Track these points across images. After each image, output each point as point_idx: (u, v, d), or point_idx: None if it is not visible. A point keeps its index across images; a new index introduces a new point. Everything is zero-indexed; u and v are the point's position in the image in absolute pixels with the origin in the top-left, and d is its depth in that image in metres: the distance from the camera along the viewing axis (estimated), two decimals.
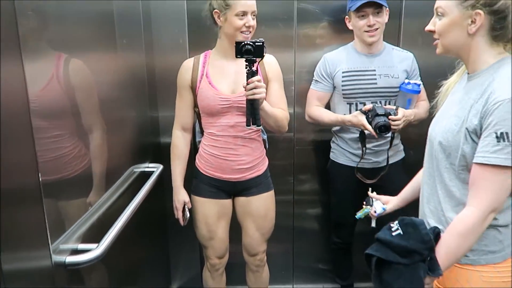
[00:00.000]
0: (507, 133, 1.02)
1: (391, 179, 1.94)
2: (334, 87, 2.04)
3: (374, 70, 1.99)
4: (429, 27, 1.20)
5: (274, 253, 2.18)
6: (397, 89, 1.99)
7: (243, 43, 1.53)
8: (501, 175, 1.04)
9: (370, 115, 1.87)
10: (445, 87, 1.33)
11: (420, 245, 1.10)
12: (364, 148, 1.98)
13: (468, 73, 1.19)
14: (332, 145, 2.17)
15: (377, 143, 2.00)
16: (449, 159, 1.16)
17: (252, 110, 1.57)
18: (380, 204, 1.56)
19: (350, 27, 1.98)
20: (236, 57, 1.55)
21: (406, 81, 1.99)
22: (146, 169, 1.81)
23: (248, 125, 1.59)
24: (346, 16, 1.99)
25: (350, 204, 1.97)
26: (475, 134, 1.09)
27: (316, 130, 2.30)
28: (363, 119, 1.87)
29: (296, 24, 2.16)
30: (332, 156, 2.16)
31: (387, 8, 1.92)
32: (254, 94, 1.55)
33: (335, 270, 2.42)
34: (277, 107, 1.77)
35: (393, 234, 1.15)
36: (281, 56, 1.95)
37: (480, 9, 1.08)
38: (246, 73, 1.56)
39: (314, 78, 2.08)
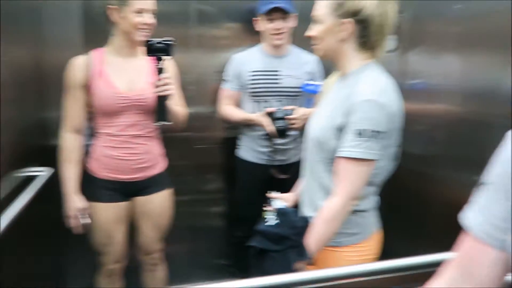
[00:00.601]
0: (365, 130, 1.13)
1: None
2: (243, 86, 2.10)
3: (279, 71, 2.08)
4: (308, 32, 1.29)
5: (175, 253, 2.17)
6: (299, 89, 2.10)
7: (153, 42, 1.56)
8: (359, 167, 1.16)
9: (271, 117, 1.99)
10: (325, 87, 1.42)
11: (291, 231, 1.18)
12: (272, 146, 2.05)
13: (340, 76, 1.29)
14: (239, 142, 2.22)
15: (283, 141, 2.07)
16: (321, 154, 1.25)
17: (162, 107, 1.61)
18: (279, 202, 1.60)
19: (259, 29, 2.06)
20: (148, 55, 1.58)
21: (308, 82, 2.08)
22: (33, 173, 1.70)
23: (157, 121, 1.62)
24: (255, 18, 2.05)
25: (256, 200, 2.00)
26: (341, 131, 1.18)
27: (218, 129, 2.34)
28: (265, 121, 1.99)
29: (195, 24, 2.19)
30: (239, 153, 2.21)
31: (296, 14, 2.02)
32: (165, 90, 1.59)
33: (237, 264, 2.44)
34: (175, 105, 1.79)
35: (271, 224, 1.21)
36: (181, 55, 1.96)
37: (349, 18, 1.18)
38: (156, 70, 1.60)
39: (224, 77, 2.14)
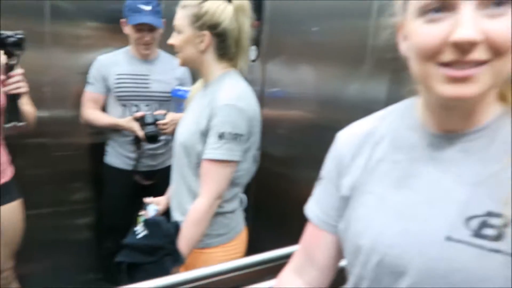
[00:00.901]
0: (225, 133, 1.19)
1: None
2: (109, 89, 2.01)
3: (148, 75, 2.05)
4: (170, 41, 1.32)
5: (38, 271, 2.01)
6: (169, 94, 2.10)
7: (3, 36, 1.42)
8: (221, 168, 1.22)
9: (141, 122, 1.94)
10: (191, 94, 1.46)
11: (164, 240, 1.20)
12: (139, 152, 2.00)
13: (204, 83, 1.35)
14: (107, 148, 2.12)
15: (152, 146, 2.04)
16: (188, 158, 1.28)
17: (14, 106, 1.48)
18: (152, 206, 1.58)
19: (126, 32, 2.00)
20: None
21: (177, 87, 2.10)
22: None
23: (8, 122, 1.47)
24: (122, 20, 1.98)
25: (125, 208, 1.95)
26: (205, 135, 1.24)
27: (82, 134, 2.20)
28: (135, 126, 1.94)
29: (50, 20, 2.02)
30: (107, 159, 2.11)
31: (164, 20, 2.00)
32: (18, 88, 1.46)
33: (109, 277, 2.32)
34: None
35: (139, 236, 1.20)
36: (35, 54, 1.79)
37: (207, 31, 1.24)
38: (7, 66, 1.46)
39: (88, 80, 2.02)
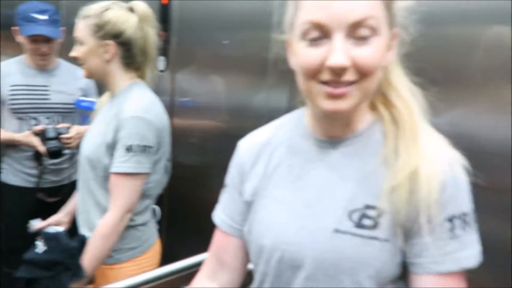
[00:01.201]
0: (132, 145, 1.18)
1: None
2: (2, 102, 1.86)
3: (48, 86, 1.93)
4: (73, 53, 1.28)
5: None
6: (72, 106, 1.99)
7: None
8: (130, 181, 1.20)
9: (42, 137, 1.82)
10: (98, 105, 1.42)
11: (63, 254, 1.15)
12: (40, 168, 1.87)
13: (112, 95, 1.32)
14: (2, 165, 1.94)
15: (54, 161, 1.92)
16: (94, 171, 1.24)
17: None
18: (51, 228, 1.49)
19: (19, 40, 1.85)
20: None
21: (82, 98, 2.00)
22: None
23: None
24: (14, 28, 1.83)
25: (27, 228, 1.80)
26: (112, 148, 1.21)
27: None
28: (34, 140, 1.81)
29: None
30: (3, 177, 1.94)
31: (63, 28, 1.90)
32: None
33: None
34: None
35: (39, 251, 1.15)
36: None
37: (111, 40, 1.22)
38: None
39: None
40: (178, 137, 1.82)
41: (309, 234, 0.67)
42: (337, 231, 0.65)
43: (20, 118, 1.88)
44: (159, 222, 1.94)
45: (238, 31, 1.73)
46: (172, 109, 1.86)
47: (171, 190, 1.94)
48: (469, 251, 0.62)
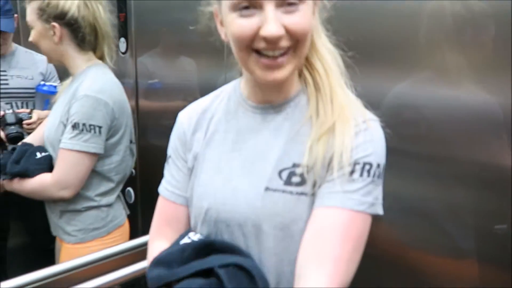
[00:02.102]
0: (78, 123, 1.17)
1: None
2: None
3: (5, 71, 1.88)
4: (30, 38, 1.27)
5: None
6: (33, 90, 1.95)
7: None
8: (72, 157, 1.20)
9: (3, 123, 1.74)
10: (60, 89, 1.40)
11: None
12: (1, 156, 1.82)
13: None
14: None
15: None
16: (55, 151, 1.25)
17: None
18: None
19: None
20: None
21: (42, 82, 1.97)
22: None
23: None
24: None
25: None
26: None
27: None
28: None
29: None
30: None
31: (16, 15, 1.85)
32: None
33: None
34: None
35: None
36: None
37: (55, 22, 1.20)
38: None
39: None
40: (149, 119, 1.81)
41: (242, 193, 0.71)
42: (267, 189, 0.69)
43: None
44: (133, 203, 1.94)
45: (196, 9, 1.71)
46: (135, 92, 1.85)
47: (142, 172, 1.93)
48: (355, 195, 0.65)
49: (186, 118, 0.82)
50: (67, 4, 1.20)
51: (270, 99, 0.74)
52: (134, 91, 1.83)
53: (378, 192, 0.67)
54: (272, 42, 0.62)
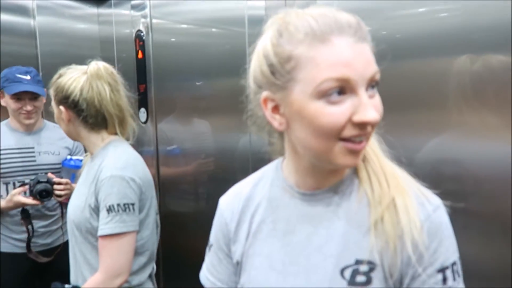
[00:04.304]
0: (113, 205, 1.17)
1: None
2: None
3: (33, 148, 1.93)
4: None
5: None
6: (59, 165, 1.99)
7: None
8: (116, 242, 1.18)
9: (32, 185, 1.79)
10: (83, 164, 1.43)
11: None
12: (30, 230, 1.84)
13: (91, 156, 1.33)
14: None
15: (44, 223, 1.91)
16: (83, 234, 1.23)
17: None
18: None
19: (3, 104, 1.89)
20: None
21: (69, 157, 2.02)
22: None
23: None
24: None
25: None
26: (97, 211, 1.20)
27: None
28: (19, 198, 1.77)
29: None
30: None
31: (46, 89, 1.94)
32: None
33: None
34: None
35: None
36: None
37: (61, 105, 1.26)
38: None
39: None
40: (167, 185, 1.82)
41: None
42: None
43: (5, 183, 1.88)
44: (156, 275, 1.88)
45: (214, 75, 1.77)
46: (158, 159, 1.87)
47: (164, 240, 1.90)
48: None
49: (228, 206, 0.77)
50: (71, 87, 1.24)
51: (323, 185, 0.68)
52: (155, 159, 1.86)
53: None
54: (365, 127, 0.59)
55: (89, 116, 1.26)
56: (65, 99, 1.24)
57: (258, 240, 0.71)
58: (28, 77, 1.87)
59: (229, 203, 0.78)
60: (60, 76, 1.28)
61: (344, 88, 0.57)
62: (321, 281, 0.63)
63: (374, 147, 0.68)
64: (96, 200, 1.20)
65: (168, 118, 1.82)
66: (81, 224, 1.22)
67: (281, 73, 0.61)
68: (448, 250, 0.61)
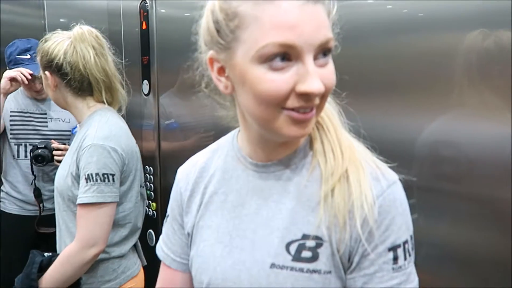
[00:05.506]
0: (91, 174, 1.15)
1: None
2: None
3: (45, 114, 2.01)
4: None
5: None
6: (69, 133, 2.06)
7: None
8: (94, 211, 1.16)
9: (31, 151, 1.89)
10: None
11: (25, 271, 1.19)
12: (38, 195, 1.95)
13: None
14: (1, 194, 2.02)
15: (52, 187, 1.98)
16: (65, 203, 1.24)
17: None
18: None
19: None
20: None
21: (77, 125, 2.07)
22: None
23: None
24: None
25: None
26: (78, 178, 1.20)
27: None
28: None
29: None
30: (2, 206, 2.01)
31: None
32: None
33: None
34: None
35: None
36: None
37: (46, 70, 1.24)
38: None
39: None
40: (167, 159, 1.84)
41: (245, 269, 0.63)
42: (273, 265, 0.61)
43: (17, 144, 1.97)
44: (155, 246, 1.95)
45: None
46: (158, 133, 1.89)
47: (164, 213, 1.95)
48: (412, 284, 0.59)
49: (184, 177, 0.76)
50: (54, 51, 1.22)
51: (275, 157, 0.66)
52: (156, 133, 1.87)
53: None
54: (311, 99, 0.55)
55: (73, 80, 1.23)
56: (49, 63, 1.23)
57: (209, 212, 0.70)
58: (27, 56, 1.91)
59: (185, 173, 0.76)
60: (46, 41, 1.26)
61: (288, 54, 0.53)
62: (265, 255, 0.62)
63: (332, 118, 0.65)
64: (78, 168, 1.19)
65: (169, 92, 1.82)
66: (64, 192, 1.22)
67: (225, 31, 0.57)
68: (401, 228, 0.59)
